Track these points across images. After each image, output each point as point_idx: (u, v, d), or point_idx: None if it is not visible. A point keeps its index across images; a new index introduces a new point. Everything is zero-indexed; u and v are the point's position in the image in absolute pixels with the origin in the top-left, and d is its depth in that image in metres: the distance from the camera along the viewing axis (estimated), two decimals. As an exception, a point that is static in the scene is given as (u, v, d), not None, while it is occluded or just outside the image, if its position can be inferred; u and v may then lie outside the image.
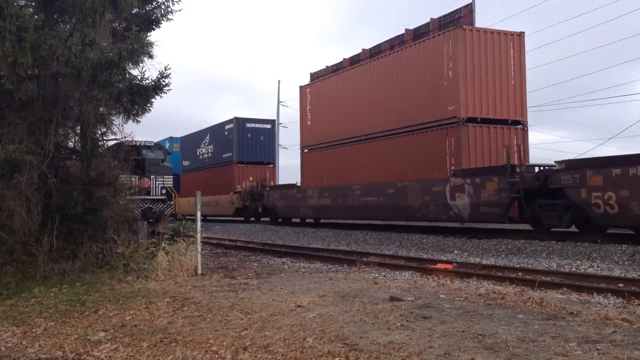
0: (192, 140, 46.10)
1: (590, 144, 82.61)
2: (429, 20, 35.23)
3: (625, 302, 8.65)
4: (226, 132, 40.06)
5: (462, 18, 31.05)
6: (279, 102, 49.22)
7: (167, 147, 45.92)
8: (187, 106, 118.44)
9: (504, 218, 18.04)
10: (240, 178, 37.82)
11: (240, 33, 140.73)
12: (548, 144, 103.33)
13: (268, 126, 40.98)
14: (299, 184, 31.00)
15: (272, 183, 37.63)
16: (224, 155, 40.33)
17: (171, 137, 46.49)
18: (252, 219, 37.35)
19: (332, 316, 7.30)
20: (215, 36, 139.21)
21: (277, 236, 24.91)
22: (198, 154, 45.12)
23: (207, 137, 43.52)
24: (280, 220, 32.88)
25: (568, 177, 15.67)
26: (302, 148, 30.22)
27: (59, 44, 11.53)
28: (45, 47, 11.54)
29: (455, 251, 16.44)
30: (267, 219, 35.27)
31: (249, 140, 39.31)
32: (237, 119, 39.50)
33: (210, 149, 42.95)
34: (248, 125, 39.60)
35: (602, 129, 79.01)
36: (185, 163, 46.82)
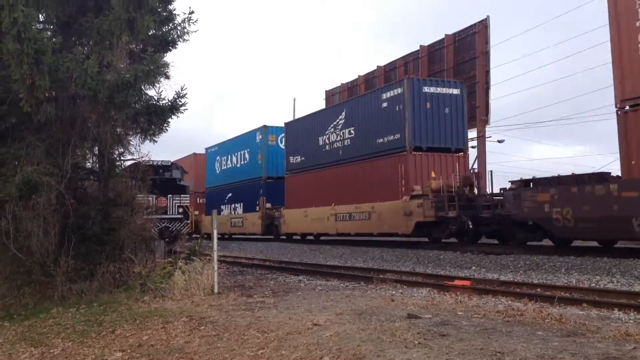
0: (308, 125, 31.08)
1: None
2: (443, 36, 35.40)
3: (646, 318, 8.53)
4: (385, 104, 25.05)
5: (476, 34, 31.07)
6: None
7: (257, 140, 36.26)
8: (205, 124, 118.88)
9: None
10: (418, 173, 23.33)
11: (255, 51, 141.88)
12: None
13: (456, 91, 24.92)
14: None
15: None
16: (380, 141, 25.17)
17: (265, 126, 36.10)
18: (452, 239, 22.72)
19: (349, 334, 7.25)
20: (228, 54, 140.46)
21: (293, 254, 24.88)
22: (321, 143, 29.55)
23: (342, 117, 28.05)
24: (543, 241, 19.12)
25: None
26: (621, 102, 15.93)
27: (75, 67, 11.70)
28: (63, 70, 11.71)
29: (473, 267, 16.31)
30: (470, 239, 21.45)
31: (428, 113, 24.10)
32: (409, 80, 24.49)
33: (349, 134, 27.42)
34: (427, 89, 24.22)
35: None
36: (295, 160, 31.83)
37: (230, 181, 39.73)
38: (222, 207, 39.13)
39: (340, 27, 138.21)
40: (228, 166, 40.66)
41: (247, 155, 37.79)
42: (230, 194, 39.54)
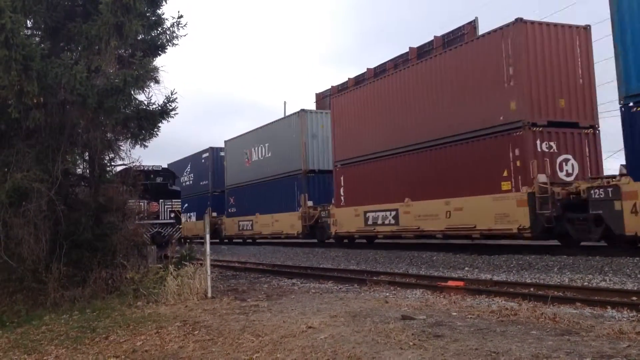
0: None
1: None
2: (432, 38, 35.54)
3: (639, 315, 8.55)
4: None
5: (465, 35, 31.19)
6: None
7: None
8: (200, 129, 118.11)
9: None
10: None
11: (247, 57, 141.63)
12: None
13: None
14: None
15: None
16: None
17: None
18: None
19: (343, 337, 7.24)
20: (221, 60, 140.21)
21: (286, 257, 24.84)
22: None
23: None
24: None
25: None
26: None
27: (64, 72, 11.64)
28: (52, 75, 11.64)
29: (466, 268, 16.33)
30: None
31: None
32: None
33: None
34: None
35: None
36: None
37: None
38: None
39: (328, 31, 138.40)
40: None
41: None
42: None
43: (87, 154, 14.53)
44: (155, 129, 14.51)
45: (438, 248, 21.11)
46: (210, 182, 40.63)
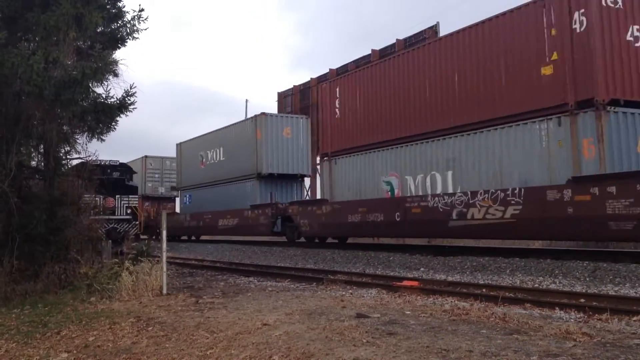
0: None
1: None
2: (394, 41, 35.83)
3: (586, 317, 8.80)
4: None
5: (426, 39, 31.51)
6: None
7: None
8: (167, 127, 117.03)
9: None
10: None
11: (215, 55, 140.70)
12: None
13: None
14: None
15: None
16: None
17: None
18: None
19: (298, 334, 7.29)
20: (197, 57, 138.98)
21: (244, 255, 24.77)
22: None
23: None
24: None
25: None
26: None
27: (21, 62, 11.43)
28: (8, 65, 11.43)
29: (422, 269, 16.53)
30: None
31: None
32: None
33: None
34: None
35: None
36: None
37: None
38: None
39: (298, 28, 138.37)
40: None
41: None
42: None
43: (42, 146, 14.29)
44: (113, 123, 14.35)
45: (395, 249, 21.31)
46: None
